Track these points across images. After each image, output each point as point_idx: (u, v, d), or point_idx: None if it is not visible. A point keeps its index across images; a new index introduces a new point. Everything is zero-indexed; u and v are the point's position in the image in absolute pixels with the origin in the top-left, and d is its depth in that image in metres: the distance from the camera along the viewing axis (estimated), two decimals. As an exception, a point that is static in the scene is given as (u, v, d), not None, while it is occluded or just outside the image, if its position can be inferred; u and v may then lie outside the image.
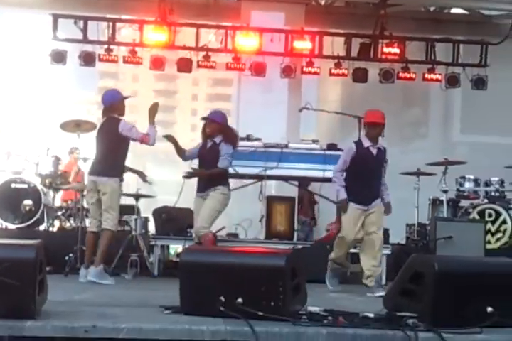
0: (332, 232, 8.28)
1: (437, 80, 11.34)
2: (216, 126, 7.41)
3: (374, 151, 6.97)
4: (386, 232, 8.52)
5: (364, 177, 6.89)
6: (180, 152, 7.54)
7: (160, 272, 8.12)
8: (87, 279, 6.84)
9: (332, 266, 7.19)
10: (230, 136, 7.47)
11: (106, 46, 10.83)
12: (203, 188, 7.33)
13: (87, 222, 7.87)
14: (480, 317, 4.16)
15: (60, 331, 3.84)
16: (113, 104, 7.15)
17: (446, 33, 11.83)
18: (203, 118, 7.58)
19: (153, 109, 7.21)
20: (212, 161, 7.30)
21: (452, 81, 11.30)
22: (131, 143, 7.21)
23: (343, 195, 6.89)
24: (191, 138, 10.96)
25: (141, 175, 7.78)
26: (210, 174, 7.32)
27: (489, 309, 4.19)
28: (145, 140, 7.02)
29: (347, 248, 7.10)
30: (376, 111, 7.36)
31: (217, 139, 7.38)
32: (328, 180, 8.67)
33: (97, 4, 11.53)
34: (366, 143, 6.98)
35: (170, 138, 7.44)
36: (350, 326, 4.12)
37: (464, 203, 9.75)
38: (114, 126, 7.02)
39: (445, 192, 9.51)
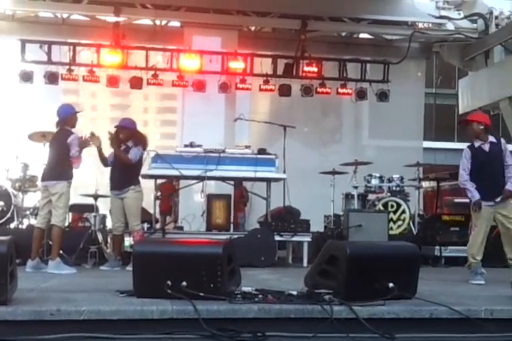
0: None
1: (348, 94, 11.48)
2: (128, 132, 7.33)
3: (486, 147, 6.28)
4: (307, 222, 8.64)
5: (486, 175, 6.20)
6: (103, 157, 7.36)
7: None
8: (40, 271, 6.55)
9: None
10: (141, 140, 7.40)
11: (68, 67, 10.72)
12: (117, 187, 7.27)
13: None
14: (383, 292, 4.23)
15: (29, 315, 3.78)
16: (66, 117, 6.89)
17: (355, 54, 12.01)
18: (116, 127, 7.45)
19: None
20: (126, 163, 7.24)
21: (361, 94, 11.47)
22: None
23: (477, 196, 6.23)
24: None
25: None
26: (118, 154, 7.22)
27: (390, 285, 4.26)
28: (75, 161, 6.75)
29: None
30: (472, 113, 6.83)
31: (130, 143, 7.32)
32: (259, 179, 8.76)
33: (60, 30, 11.38)
34: (476, 143, 6.33)
35: (94, 139, 7.12)
36: (277, 302, 4.16)
37: (371, 197, 9.85)
38: (65, 136, 6.76)
39: (355, 187, 9.62)
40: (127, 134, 7.34)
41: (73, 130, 6.93)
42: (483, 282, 6.17)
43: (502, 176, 6.19)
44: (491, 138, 6.28)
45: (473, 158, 6.28)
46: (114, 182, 7.36)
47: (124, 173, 7.26)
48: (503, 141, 6.27)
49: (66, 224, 8.37)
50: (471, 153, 6.31)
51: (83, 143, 6.91)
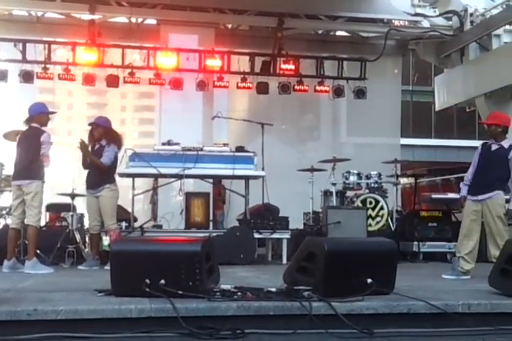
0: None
1: (326, 91, 11.50)
2: (102, 130, 7.29)
3: (494, 148, 6.30)
4: (286, 219, 8.64)
5: (481, 173, 6.30)
6: (85, 162, 7.30)
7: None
8: (17, 271, 6.48)
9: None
10: (115, 138, 7.36)
11: (43, 65, 10.59)
12: (93, 186, 7.24)
13: None
14: (362, 288, 4.25)
15: (5, 315, 3.75)
16: (39, 115, 6.79)
17: (332, 51, 12.03)
18: (90, 124, 7.41)
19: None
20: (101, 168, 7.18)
21: (338, 92, 11.50)
22: None
23: (462, 193, 6.37)
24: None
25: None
26: (92, 160, 7.18)
27: (369, 280, 4.28)
28: (45, 160, 6.66)
29: None
30: (492, 113, 6.80)
31: (104, 142, 7.28)
32: (237, 177, 8.75)
33: (34, 28, 11.24)
34: (491, 141, 6.37)
35: (83, 145, 7.13)
36: (256, 300, 4.16)
37: (349, 193, 9.85)
38: (37, 135, 6.66)
39: (334, 184, 9.60)
40: (101, 132, 7.30)
41: (46, 129, 6.84)
42: (450, 277, 6.21)
43: (495, 178, 6.21)
44: (506, 143, 6.27)
45: (480, 153, 6.39)
46: (89, 181, 7.32)
47: (99, 172, 7.21)
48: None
49: (43, 223, 8.32)
50: (480, 149, 6.42)
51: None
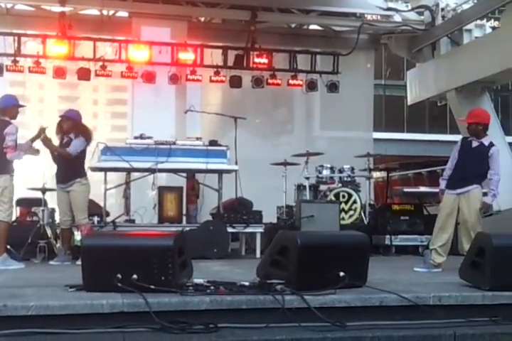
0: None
1: (299, 85, 11.49)
2: (71, 123, 7.21)
3: (474, 144, 6.38)
4: (260, 213, 8.65)
5: (459, 167, 6.38)
6: (52, 152, 7.21)
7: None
8: None
9: None
10: (84, 132, 7.27)
11: (12, 58, 10.43)
12: (63, 180, 7.14)
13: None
14: (334, 281, 4.27)
15: (-26, 312, 3.70)
16: (7, 108, 6.68)
17: (305, 45, 12.00)
18: (60, 116, 7.33)
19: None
20: (68, 158, 7.10)
21: (311, 86, 11.50)
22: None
23: (441, 187, 6.49)
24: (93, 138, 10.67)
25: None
26: (56, 149, 7.12)
27: (341, 273, 4.31)
28: (8, 151, 6.52)
29: None
30: (472, 111, 6.83)
31: (72, 135, 7.21)
32: (211, 171, 8.73)
33: (4, 20, 11.04)
34: (471, 137, 6.44)
35: (42, 131, 6.92)
36: (229, 294, 4.16)
37: (322, 187, 9.87)
38: (2, 127, 6.56)
39: (307, 178, 9.62)
40: (71, 125, 7.21)
41: (16, 122, 6.73)
42: (421, 270, 6.28)
43: (473, 173, 6.30)
44: (486, 140, 6.37)
45: (460, 148, 6.45)
46: (59, 175, 7.22)
47: (69, 166, 7.13)
48: (494, 148, 6.33)
49: (13, 218, 8.20)
50: (460, 144, 6.48)
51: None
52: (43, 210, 8.05)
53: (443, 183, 6.52)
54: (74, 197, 7.13)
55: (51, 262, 7.16)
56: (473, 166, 6.31)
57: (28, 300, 3.90)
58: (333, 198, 9.36)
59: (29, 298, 4.00)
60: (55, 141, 7.31)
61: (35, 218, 8.45)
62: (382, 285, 4.50)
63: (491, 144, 6.37)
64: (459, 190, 6.32)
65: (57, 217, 8.15)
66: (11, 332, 3.63)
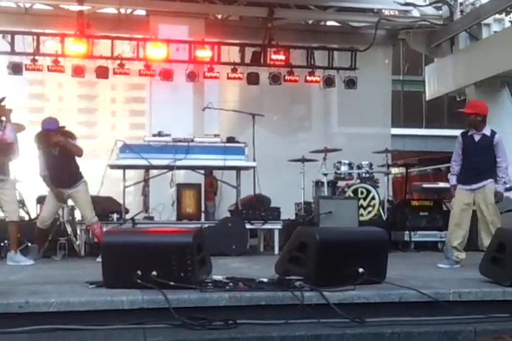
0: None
1: (316, 82, 11.46)
2: (55, 134, 6.94)
3: (477, 138, 6.31)
4: (278, 210, 8.64)
5: (469, 163, 6.33)
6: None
7: (86, 253, 7.94)
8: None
9: None
10: (69, 135, 7.11)
11: (32, 57, 10.49)
12: (69, 184, 7.04)
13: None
14: (353, 277, 4.26)
15: (-3, 308, 3.74)
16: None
17: (322, 41, 11.97)
18: (48, 130, 6.94)
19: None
20: (67, 160, 7.03)
21: (329, 82, 11.46)
22: None
23: (452, 183, 6.45)
24: (112, 136, 10.72)
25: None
26: (73, 145, 7.03)
27: (360, 270, 4.30)
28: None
29: None
30: (470, 102, 6.77)
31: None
32: (229, 168, 8.74)
33: (23, 20, 11.09)
34: (470, 131, 6.36)
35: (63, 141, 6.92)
36: (248, 290, 4.16)
37: (340, 184, 9.83)
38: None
39: (325, 175, 9.60)
40: (56, 136, 6.93)
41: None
42: (445, 266, 6.23)
43: (485, 167, 6.25)
44: (487, 131, 6.31)
45: (463, 145, 6.38)
46: (64, 180, 7.05)
47: (72, 169, 7.08)
48: (497, 136, 6.27)
49: (34, 216, 8.30)
50: (461, 139, 6.41)
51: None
52: (62, 208, 8.09)
53: (453, 178, 6.44)
54: (81, 197, 7.10)
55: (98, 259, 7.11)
56: (483, 161, 6.24)
57: (49, 296, 3.94)
58: (352, 194, 9.33)
59: (50, 294, 4.04)
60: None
61: (55, 215, 8.47)
62: (402, 281, 4.48)
63: (493, 133, 6.30)
64: (474, 186, 6.25)
65: (77, 215, 8.19)
66: (33, 329, 3.66)
